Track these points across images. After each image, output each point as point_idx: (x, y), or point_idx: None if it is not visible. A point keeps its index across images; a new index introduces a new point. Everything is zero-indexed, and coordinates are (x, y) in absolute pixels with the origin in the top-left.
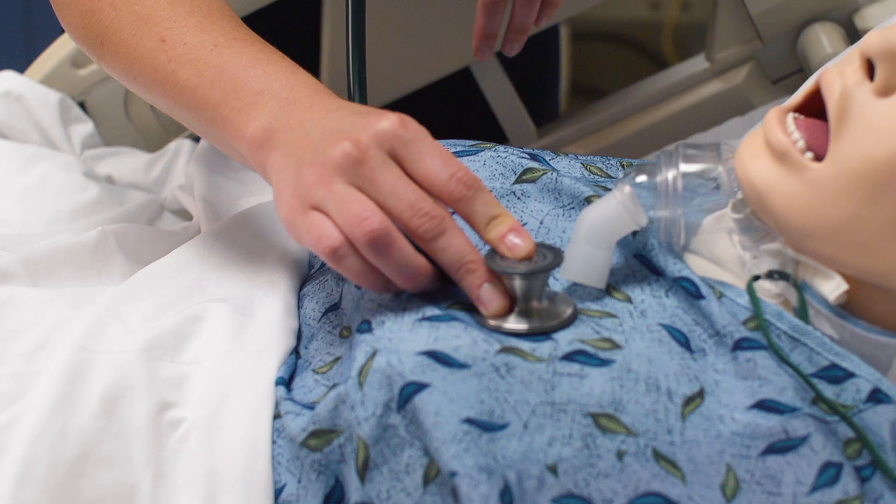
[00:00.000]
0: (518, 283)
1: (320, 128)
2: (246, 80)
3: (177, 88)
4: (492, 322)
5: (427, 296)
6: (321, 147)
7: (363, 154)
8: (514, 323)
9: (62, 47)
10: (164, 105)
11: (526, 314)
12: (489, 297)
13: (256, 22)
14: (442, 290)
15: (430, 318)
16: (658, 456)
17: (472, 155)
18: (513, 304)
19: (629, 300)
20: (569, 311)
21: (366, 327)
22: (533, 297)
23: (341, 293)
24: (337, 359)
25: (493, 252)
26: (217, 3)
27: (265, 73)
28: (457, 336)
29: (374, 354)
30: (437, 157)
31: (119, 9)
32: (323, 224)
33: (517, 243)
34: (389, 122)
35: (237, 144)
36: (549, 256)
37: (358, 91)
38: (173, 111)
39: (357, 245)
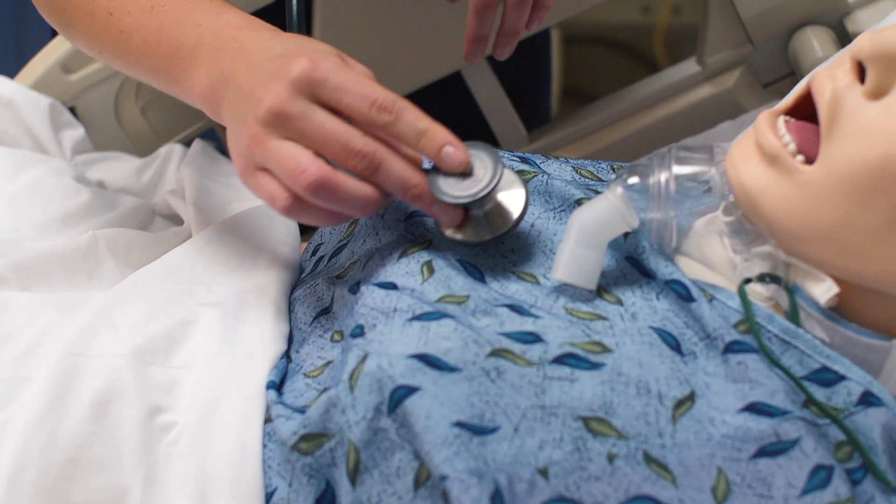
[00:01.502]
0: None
1: (246, 79)
2: (181, 38)
3: (132, 59)
4: (448, 233)
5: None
6: (250, 104)
7: (285, 107)
8: (468, 233)
9: (52, 52)
10: (133, 74)
11: (484, 219)
12: (442, 216)
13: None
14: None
15: (419, 317)
16: (649, 459)
17: None
18: (467, 210)
19: (620, 302)
20: (520, 204)
21: (358, 331)
22: (483, 205)
23: (332, 297)
24: (328, 363)
25: (436, 169)
26: None
27: (195, 24)
28: (447, 338)
29: (364, 358)
30: (353, 89)
31: None
32: (269, 184)
33: (451, 154)
34: (300, 67)
35: (196, 105)
36: (486, 165)
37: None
38: (141, 78)
39: (302, 196)
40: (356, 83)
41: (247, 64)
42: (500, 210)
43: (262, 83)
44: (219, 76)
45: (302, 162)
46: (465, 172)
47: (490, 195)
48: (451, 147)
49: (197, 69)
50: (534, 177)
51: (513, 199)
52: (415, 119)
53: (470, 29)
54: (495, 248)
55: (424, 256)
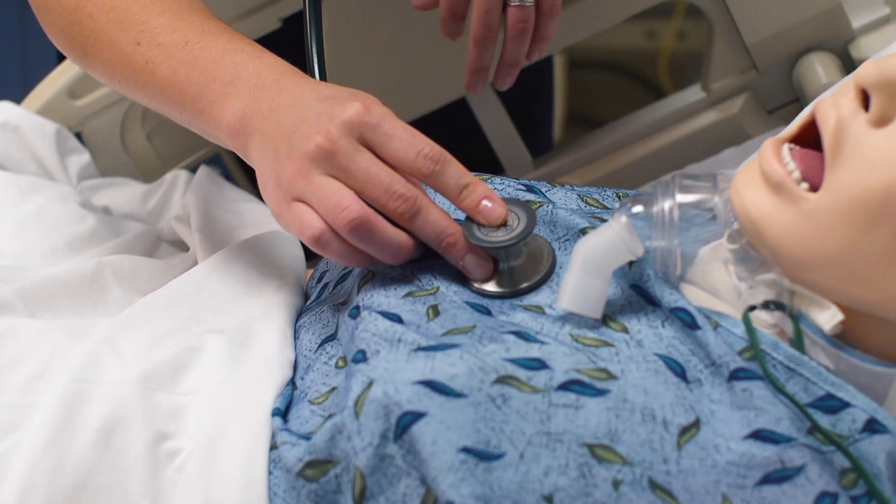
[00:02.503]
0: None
1: (290, 116)
2: (217, 72)
3: (157, 87)
4: (476, 286)
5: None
6: (295, 140)
7: (335, 146)
8: (495, 286)
9: (59, 78)
10: (150, 104)
11: (509, 274)
12: (472, 267)
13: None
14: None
15: (425, 349)
16: (654, 485)
17: None
18: (496, 263)
19: (625, 330)
20: (547, 264)
21: (360, 357)
22: (512, 258)
23: (337, 324)
24: (333, 389)
25: (470, 220)
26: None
27: (233, 62)
28: (453, 364)
29: (370, 384)
30: (402, 137)
31: (96, 18)
32: (306, 214)
33: (490, 209)
34: (354, 109)
35: (218, 134)
36: (521, 218)
37: (318, 71)
38: (159, 108)
39: (340, 232)
40: (405, 132)
41: (290, 103)
42: (527, 266)
43: (310, 121)
44: (254, 111)
45: (345, 199)
46: (499, 226)
47: (520, 247)
48: (489, 201)
49: (229, 102)
50: (538, 207)
51: (539, 257)
52: (459, 172)
53: (470, 60)
54: None
55: (431, 301)
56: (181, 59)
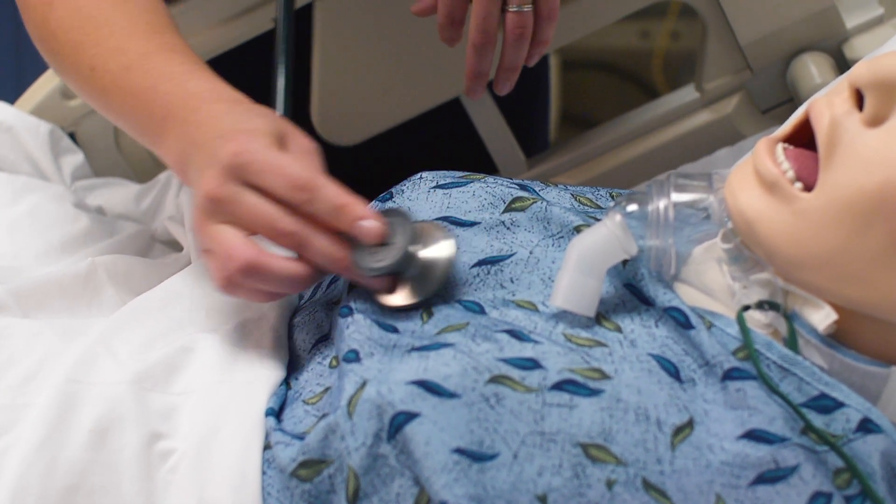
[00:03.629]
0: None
1: (197, 159)
2: (153, 105)
3: (112, 115)
4: (381, 299)
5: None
6: (196, 186)
7: (217, 193)
8: (400, 299)
9: (52, 78)
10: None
11: (412, 283)
12: (371, 285)
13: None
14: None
15: (419, 349)
16: (648, 486)
17: (461, 186)
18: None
19: (619, 329)
20: (448, 255)
21: (353, 356)
22: (407, 270)
23: (331, 323)
24: (326, 389)
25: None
26: (137, 9)
27: (165, 93)
28: (447, 364)
29: (363, 385)
30: (273, 171)
31: (58, 37)
32: (211, 265)
33: (365, 228)
34: (227, 152)
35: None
36: (402, 232)
37: (283, 105)
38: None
39: (236, 280)
40: (276, 164)
41: (202, 140)
42: (429, 270)
43: (202, 167)
44: (184, 150)
45: (232, 247)
46: (384, 242)
47: (407, 261)
48: (365, 221)
49: (168, 139)
50: (532, 203)
51: (441, 256)
52: (331, 196)
53: (469, 66)
54: (494, 276)
55: (424, 304)
56: (126, 88)
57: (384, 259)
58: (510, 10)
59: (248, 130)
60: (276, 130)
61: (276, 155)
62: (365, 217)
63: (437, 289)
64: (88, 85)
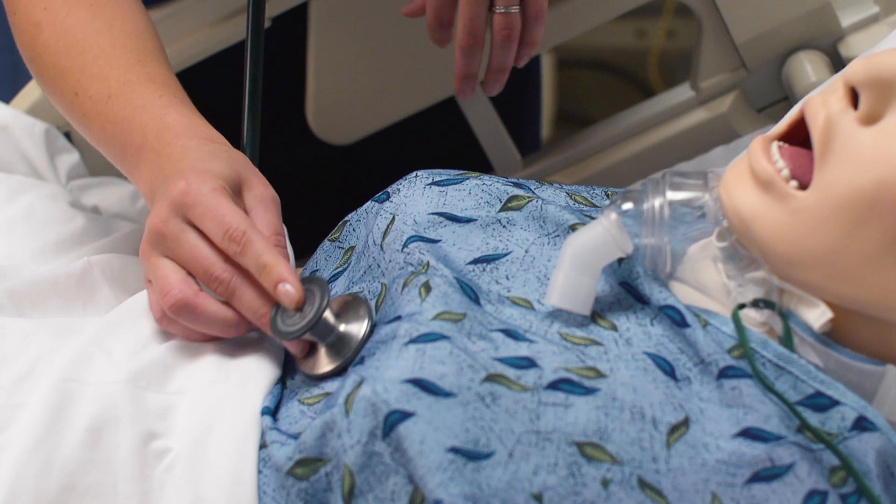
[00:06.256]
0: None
1: (161, 191)
2: (130, 135)
3: (94, 142)
4: (299, 366)
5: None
6: (149, 218)
7: (162, 227)
8: (320, 367)
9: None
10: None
11: (328, 351)
12: (289, 347)
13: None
14: None
15: (416, 339)
16: (643, 484)
17: (457, 184)
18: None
19: (614, 328)
20: (363, 328)
21: (358, 361)
22: (323, 336)
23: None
24: (326, 394)
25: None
26: (123, 35)
27: (142, 124)
28: (442, 362)
29: (360, 383)
30: (212, 218)
31: (44, 60)
32: (150, 296)
33: (284, 292)
34: (177, 189)
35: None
36: (315, 298)
37: (250, 146)
38: None
39: (168, 314)
40: (216, 211)
41: (168, 173)
42: (344, 341)
43: (158, 200)
44: (153, 181)
45: (169, 283)
46: (301, 308)
47: (320, 330)
48: (284, 284)
49: (142, 170)
50: (528, 202)
51: (357, 327)
52: (258, 253)
53: (458, 67)
54: (489, 274)
55: (422, 279)
56: (106, 116)
57: (295, 324)
58: (497, 11)
59: (203, 171)
60: (233, 175)
61: (219, 201)
62: (284, 281)
63: (350, 361)
64: (72, 109)
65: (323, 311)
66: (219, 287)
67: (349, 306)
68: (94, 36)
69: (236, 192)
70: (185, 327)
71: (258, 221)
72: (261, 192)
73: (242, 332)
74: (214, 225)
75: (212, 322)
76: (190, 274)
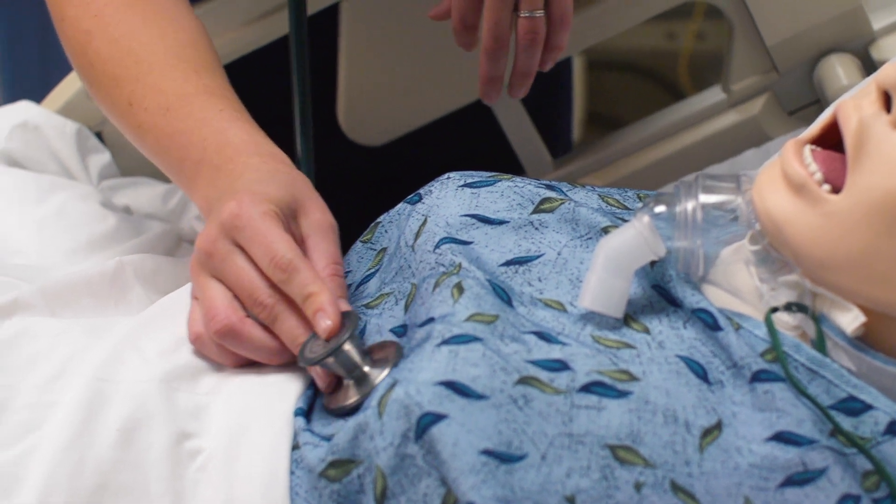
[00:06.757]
0: (328, 366)
1: (216, 206)
2: (188, 149)
3: (147, 152)
4: (324, 400)
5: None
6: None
7: (212, 247)
8: (335, 401)
9: (79, 78)
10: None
11: (349, 389)
12: (315, 378)
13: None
14: None
15: (448, 341)
16: (676, 488)
17: (490, 186)
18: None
19: (647, 331)
20: (385, 371)
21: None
22: (348, 369)
23: (364, 327)
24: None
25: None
26: (178, 45)
27: (201, 138)
28: (475, 364)
29: (393, 385)
30: (262, 243)
31: (96, 68)
32: (193, 313)
33: (320, 320)
34: (228, 211)
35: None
36: (344, 332)
37: (303, 144)
38: None
39: (212, 337)
40: (265, 237)
41: (225, 191)
42: (366, 381)
43: (212, 218)
44: (211, 196)
45: (215, 307)
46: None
47: (339, 364)
48: (321, 313)
49: (199, 184)
50: (561, 204)
51: (381, 373)
52: (304, 283)
53: (482, 71)
54: (522, 276)
55: (454, 280)
56: (163, 128)
57: (315, 353)
58: (522, 15)
59: (256, 193)
60: (289, 199)
61: (268, 226)
62: (323, 311)
63: (357, 402)
64: (125, 119)
65: (341, 344)
66: (262, 312)
67: (384, 349)
68: (147, 45)
69: (292, 217)
70: (217, 352)
71: (314, 250)
72: (318, 219)
73: (285, 360)
74: (262, 250)
75: (255, 349)
76: (236, 296)
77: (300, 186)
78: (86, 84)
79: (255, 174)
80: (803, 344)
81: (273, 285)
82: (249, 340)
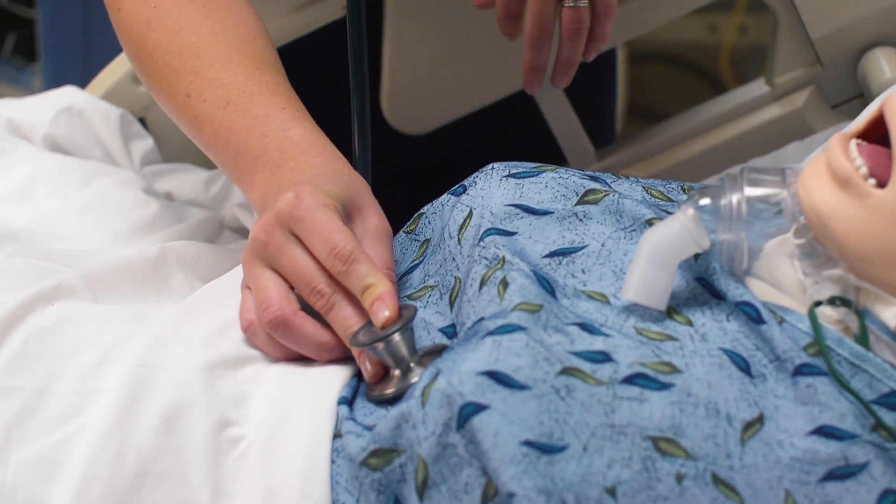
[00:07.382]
0: (377, 352)
1: (273, 199)
2: (248, 143)
3: (202, 143)
4: (368, 391)
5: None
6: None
7: (268, 237)
8: (374, 389)
9: (123, 63)
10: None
11: (402, 373)
12: (362, 366)
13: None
14: None
15: (493, 332)
16: (717, 480)
17: (534, 176)
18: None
19: (690, 323)
20: (416, 377)
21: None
22: (396, 359)
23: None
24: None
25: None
26: (238, 40)
27: (262, 134)
28: (518, 354)
29: (437, 375)
30: (321, 233)
31: (156, 59)
32: (245, 301)
33: (377, 311)
34: (285, 201)
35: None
36: (398, 326)
37: (361, 158)
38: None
39: (264, 328)
40: (325, 228)
41: (284, 186)
42: (408, 374)
43: (270, 209)
44: (273, 191)
45: (269, 297)
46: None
47: (386, 352)
48: (380, 302)
49: (256, 178)
50: (605, 195)
51: (417, 377)
52: (364, 272)
53: (526, 60)
54: (565, 267)
55: (499, 276)
56: (221, 121)
57: (365, 338)
58: (566, 5)
59: (317, 186)
60: (347, 200)
61: (328, 217)
62: (383, 300)
63: (399, 392)
64: (182, 110)
65: (395, 332)
66: (319, 301)
67: (436, 353)
68: (208, 38)
69: (348, 219)
70: (267, 342)
71: (369, 254)
72: (374, 224)
73: (336, 356)
74: (321, 241)
75: (307, 343)
76: (291, 288)
77: (360, 190)
78: (141, 74)
79: (319, 171)
80: (846, 338)
81: (329, 276)
82: (301, 333)
